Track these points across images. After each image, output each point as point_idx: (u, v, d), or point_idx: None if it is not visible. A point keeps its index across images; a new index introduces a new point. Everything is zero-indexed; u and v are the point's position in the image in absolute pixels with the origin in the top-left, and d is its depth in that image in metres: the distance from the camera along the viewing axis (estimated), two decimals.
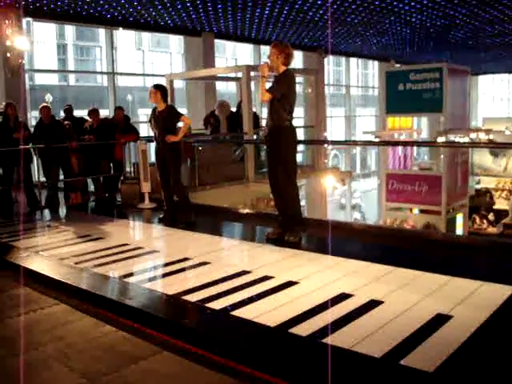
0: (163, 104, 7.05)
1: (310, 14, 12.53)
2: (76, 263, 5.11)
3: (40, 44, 19.46)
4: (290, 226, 5.67)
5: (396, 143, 14.46)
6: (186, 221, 6.92)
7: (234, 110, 12.01)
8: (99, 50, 21.85)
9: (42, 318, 3.91)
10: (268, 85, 5.56)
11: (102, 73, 20.08)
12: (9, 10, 10.23)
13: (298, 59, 20.09)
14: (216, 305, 3.76)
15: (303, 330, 3.27)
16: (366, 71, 31.28)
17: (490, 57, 20.64)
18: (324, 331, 3.21)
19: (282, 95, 5.47)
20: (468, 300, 3.67)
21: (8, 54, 10.35)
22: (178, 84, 14.86)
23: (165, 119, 7.02)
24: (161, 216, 7.25)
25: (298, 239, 5.60)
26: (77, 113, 10.55)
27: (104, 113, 11.80)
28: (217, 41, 15.18)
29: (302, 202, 19.08)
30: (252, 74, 11.72)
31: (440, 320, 3.33)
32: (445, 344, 2.99)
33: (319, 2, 11.47)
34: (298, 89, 20.39)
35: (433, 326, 3.25)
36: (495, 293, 3.78)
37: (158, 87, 7.07)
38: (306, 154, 14.16)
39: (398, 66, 20.79)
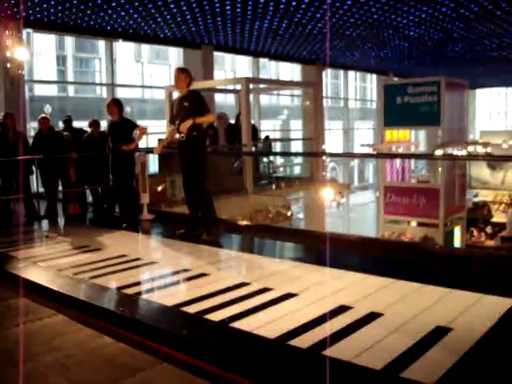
0: None
1: (309, 27, 12.60)
2: (74, 274, 5.09)
3: (40, 55, 19.50)
4: (207, 227, 6.37)
5: (394, 156, 14.51)
6: None
7: (232, 122, 12.04)
8: (99, 61, 21.88)
9: (40, 328, 3.89)
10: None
11: (101, 84, 20.10)
12: (9, 21, 10.28)
13: (296, 72, 20.17)
14: (215, 316, 3.74)
15: (303, 342, 3.26)
16: (364, 84, 31.35)
17: (488, 70, 20.74)
18: (323, 343, 3.20)
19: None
20: (468, 312, 3.66)
21: (8, 65, 10.39)
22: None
23: None
24: None
25: (215, 238, 6.17)
26: (76, 124, 10.56)
27: (104, 124, 11.80)
28: (216, 53, 15.22)
29: (300, 215, 19.15)
30: (251, 86, 11.77)
31: (440, 332, 3.32)
32: (445, 357, 2.99)
33: (318, 16, 11.54)
34: (297, 101, 20.50)
35: (433, 338, 3.24)
36: (495, 305, 3.78)
37: None
38: (305, 166, 14.17)
39: (396, 79, 20.89)
